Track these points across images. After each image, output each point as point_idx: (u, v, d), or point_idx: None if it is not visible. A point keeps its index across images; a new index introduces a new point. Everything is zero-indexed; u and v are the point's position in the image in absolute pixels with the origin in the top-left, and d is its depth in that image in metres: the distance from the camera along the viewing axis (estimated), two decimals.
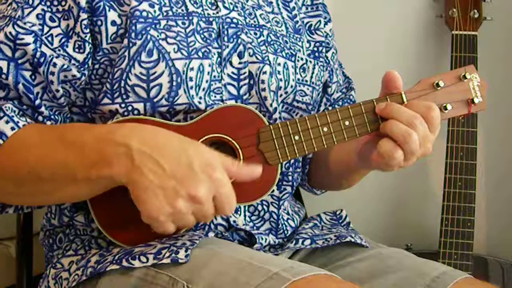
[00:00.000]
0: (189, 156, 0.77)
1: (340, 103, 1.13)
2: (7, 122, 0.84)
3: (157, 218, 0.77)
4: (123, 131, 0.79)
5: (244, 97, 0.95)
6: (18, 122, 0.84)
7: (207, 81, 0.92)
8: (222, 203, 0.79)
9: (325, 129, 0.90)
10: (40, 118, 0.88)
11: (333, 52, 1.12)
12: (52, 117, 0.89)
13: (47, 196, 0.84)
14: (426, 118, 0.87)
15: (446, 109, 0.91)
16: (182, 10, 0.93)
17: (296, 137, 0.89)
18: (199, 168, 0.76)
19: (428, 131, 0.88)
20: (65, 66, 0.87)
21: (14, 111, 0.85)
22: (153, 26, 0.90)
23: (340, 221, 1.10)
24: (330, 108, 1.12)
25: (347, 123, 0.90)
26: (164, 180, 0.76)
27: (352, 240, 1.00)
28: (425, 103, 0.89)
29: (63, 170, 0.79)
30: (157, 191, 0.76)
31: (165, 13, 0.91)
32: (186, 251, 0.82)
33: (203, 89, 0.91)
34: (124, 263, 0.83)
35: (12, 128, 0.83)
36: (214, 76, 0.93)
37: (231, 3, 0.98)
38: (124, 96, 0.88)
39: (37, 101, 0.87)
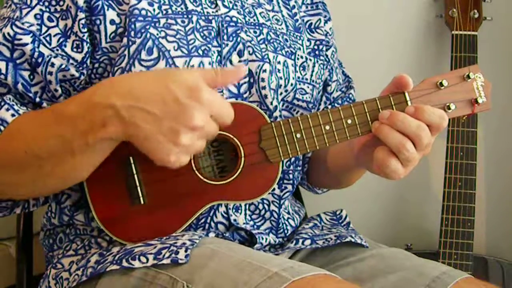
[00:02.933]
0: (172, 90, 0.76)
1: (340, 101, 1.13)
2: (7, 109, 0.84)
3: (169, 160, 0.77)
4: (102, 91, 0.78)
5: (244, 95, 0.95)
6: (18, 110, 0.85)
7: None
8: (221, 117, 0.79)
9: (327, 127, 0.90)
10: None
11: (333, 51, 1.12)
12: None
13: (48, 178, 0.84)
14: (438, 127, 0.86)
15: (449, 108, 0.91)
16: (182, 9, 0.93)
17: (298, 135, 0.89)
18: (186, 98, 0.75)
19: (431, 138, 0.87)
20: (63, 66, 0.87)
21: (15, 102, 0.86)
22: (153, 24, 0.90)
23: (340, 221, 1.10)
24: (329, 106, 1.12)
25: (349, 121, 0.90)
26: (159, 124, 0.76)
27: (352, 240, 1.00)
28: (439, 112, 0.87)
29: (60, 144, 0.79)
30: (157, 136, 0.76)
31: (164, 12, 0.91)
32: (186, 251, 0.82)
33: None
34: (124, 263, 0.83)
35: (13, 115, 0.84)
36: None
37: (230, 2, 0.98)
38: None
39: (37, 99, 0.88)
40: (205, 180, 0.89)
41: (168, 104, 0.75)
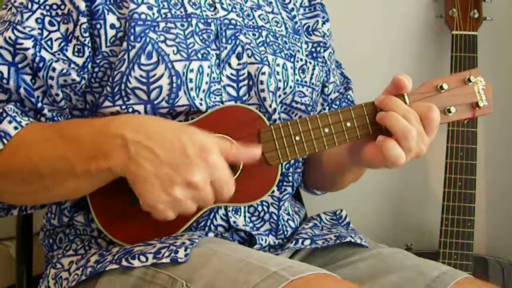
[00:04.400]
0: (183, 142, 0.76)
1: (338, 103, 1.13)
2: (10, 122, 0.84)
3: (155, 207, 0.77)
4: (118, 121, 0.79)
5: (244, 98, 0.95)
6: (20, 121, 0.85)
7: (206, 83, 0.92)
8: (220, 187, 0.79)
9: (327, 130, 0.90)
10: (43, 119, 0.88)
11: (330, 52, 1.12)
12: (55, 118, 0.89)
13: (49, 192, 0.84)
14: (425, 117, 0.87)
15: (450, 112, 0.91)
16: (181, 12, 0.93)
17: (297, 138, 0.89)
18: (194, 153, 0.76)
19: (422, 129, 0.88)
20: (64, 71, 0.87)
21: (17, 112, 0.86)
22: (152, 28, 0.90)
23: (340, 221, 1.10)
24: (327, 108, 1.12)
25: (348, 124, 0.90)
26: (159, 168, 0.76)
27: (352, 240, 1.00)
28: (426, 103, 0.89)
29: (63, 165, 0.80)
30: (153, 180, 0.76)
31: (163, 15, 0.91)
32: (185, 250, 0.82)
33: (203, 90, 0.91)
34: (124, 263, 0.83)
35: (15, 128, 0.84)
36: (213, 78, 0.93)
37: (229, 4, 0.98)
38: (125, 99, 0.88)
39: (39, 104, 0.88)
40: None
41: (174, 153, 0.76)
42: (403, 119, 0.86)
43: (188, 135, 0.77)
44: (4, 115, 0.84)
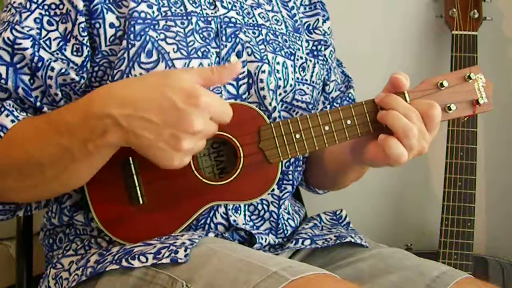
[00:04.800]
0: (169, 97, 0.76)
1: (339, 101, 1.13)
2: (7, 115, 0.84)
3: (173, 165, 0.78)
4: (99, 100, 0.78)
5: (243, 96, 0.95)
6: (18, 116, 0.85)
7: None
8: (220, 118, 0.79)
9: (327, 127, 0.90)
10: None
11: (331, 50, 1.12)
12: None
13: (50, 183, 0.84)
14: (426, 115, 0.87)
15: (450, 109, 0.91)
16: (181, 10, 0.93)
17: (297, 136, 0.89)
18: (183, 104, 0.76)
19: (424, 127, 0.88)
20: (63, 70, 0.87)
21: (15, 108, 0.86)
22: (152, 27, 0.90)
23: (340, 221, 1.10)
24: (328, 106, 1.12)
25: (349, 122, 0.90)
26: (159, 132, 0.76)
27: (352, 240, 1.00)
28: (427, 101, 0.89)
29: (61, 152, 0.80)
30: (159, 144, 0.76)
31: (163, 14, 0.91)
32: (185, 250, 0.82)
33: None
34: (124, 263, 0.83)
35: (12, 121, 0.84)
36: None
37: (229, 3, 0.98)
38: None
39: (38, 104, 0.88)
40: (204, 180, 0.89)
41: (166, 111, 0.76)
42: (404, 118, 0.86)
43: (170, 87, 0.76)
44: (2, 109, 0.84)
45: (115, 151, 0.81)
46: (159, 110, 0.76)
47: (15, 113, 0.85)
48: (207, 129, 0.78)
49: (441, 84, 0.91)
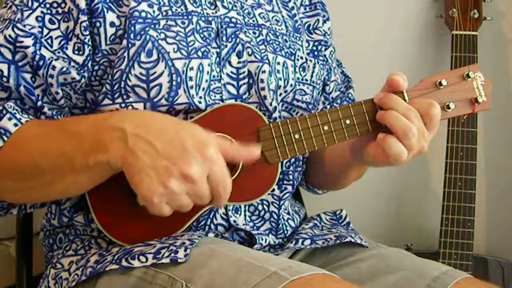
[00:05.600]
0: (183, 136, 0.76)
1: (339, 101, 1.13)
2: (9, 119, 0.84)
3: (151, 199, 0.77)
4: (118, 115, 0.80)
5: (244, 97, 0.95)
6: (20, 119, 0.85)
7: (206, 81, 0.92)
8: (217, 182, 0.78)
9: (326, 127, 0.90)
10: (43, 117, 0.88)
11: (331, 51, 1.12)
12: (54, 117, 0.89)
13: (47, 189, 0.84)
14: (426, 114, 0.87)
15: (449, 108, 0.91)
16: (182, 10, 0.93)
17: (297, 136, 0.89)
18: (192, 147, 0.76)
19: (423, 126, 0.88)
20: (64, 69, 0.87)
21: (17, 109, 0.86)
22: (152, 26, 0.90)
23: (340, 221, 1.10)
24: (328, 107, 1.12)
25: (348, 121, 0.90)
26: (156, 160, 0.76)
27: (352, 240, 1.00)
28: (426, 100, 0.89)
29: (62, 160, 0.80)
30: (150, 171, 0.76)
31: (164, 13, 0.91)
32: (185, 250, 0.82)
33: (203, 88, 0.91)
34: (124, 263, 0.83)
35: (15, 125, 0.84)
36: (214, 76, 0.93)
37: (230, 3, 0.98)
38: (125, 97, 0.88)
39: (39, 103, 0.88)
40: None
41: (173, 146, 0.76)
42: (403, 118, 0.86)
43: (188, 131, 0.77)
44: (4, 112, 0.84)
45: (111, 174, 0.81)
46: (168, 142, 0.76)
47: (18, 116, 0.85)
48: (199, 185, 0.77)
49: (440, 83, 0.91)
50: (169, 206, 0.78)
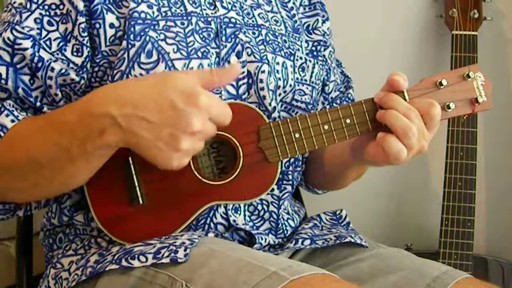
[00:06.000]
0: (168, 97, 0.76)
1: (339, 101, 1.13)
2: (7, 115, 0.84)
3: (171, 165, 0.78)
4: (99, 100, 0.78)
5: (243, 97, 0.95)
6: (18, 116, 0.85)
7: None
8: (219, 119, 0.79)
9: (326, 127, 0.90)
10: None
11: (330, 51, 1.12)
12: None
13: (49, 183, 0.84)
14: (426, 114, 0.87)
15: (449, 108, 0.91)
16: (181, 10, 0.93)
17: (297, 135, 0.89)
18: (183, 104, 0.75)
19: (423, 126, 0.88)
20: (63, 71, 0.87)
21: (16, 108, 0.86)
22: (152, 27, 0.90)
23: (340, 221, 1.10)
24: (327, 107, 1.12)
25: (348, 121, 0.90)
26: (158, 132, 0.76)
27: (352, 240, 1.00)
28: (427, 100, 0.89)
29: (59, 151, 0.80)
30: (158, 144, 0.76)
31: (163, 14, 0.91)
32: (185, 250, 0.82)
33: None
34: (124, 263, 0.83)
35: (12, 121, 0.84)
36: None
37: (229, 3, 0.98)
38: None
39: (38, 104, 0.88)
40: (204, 180, 0.89)
41: (165, 111, 0.76)
42: (403, 117, 0.87)
43: (169, 87, 0.76)
44: (2, 109, 0.85)
45: (113, 152, 0.81)
46: (158, 110, 0.76)
47: (15, 113, 0.85)
48: (206, 130, 0.78)
49: (440, 83, 0.91)
50: (188, 157, 0.79)
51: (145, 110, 0.76)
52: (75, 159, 0.80)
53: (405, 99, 0.89)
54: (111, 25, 0.89)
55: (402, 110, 0.87)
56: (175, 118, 0.76)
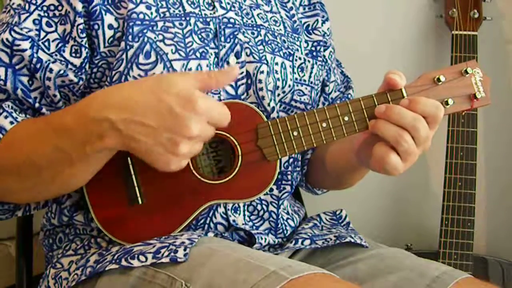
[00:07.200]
0: (166, 102, 0.76)
1: (338, 102, 1.13)
2: (6, 117, 0.85)
3: (170, 169, 0.79)
4: (97, 104, 0.79)
5: (242, 97, 0.95)
6: (16, 117, 0.85)
7: None
8: (218, 121, 0.80)
9: (324, 124, 0.89)
10: None
11: (330, 51, 1.12)
12: None
13: (48, 185, 0.85)
14: (434, 117, 0.87)
15: (447, 104, 0.90)
16: (179, 11, 0.93)
17: (295, 133, 0.89)
18: (180, 108, 0.76)
19: (429, 131, 0.87)
20: (61, 72, 0.87)
21: (14, 109, 0.87)
22: (150, 28, 0.90)
23: (340, 221, 1.10)
24: None
25: (346, 118, 0.90)
26: (156, 136, 0.76)
27: (352, 240, 1.00)
28: (433, 101, 0.87)
29: (59, 154, 0.80)
30: (157, 148, 0.77)
31: (162, 15, 0.91)
32: (184, 250, 0.82)
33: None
34: (123, 263, 0.83)
35: (11, 123, 0.84)
36: None
37: (228, 3, 0.98)
38: None
39: (37, 105, 0.88)
40: (203, 179, 0.89)
41: (163, 116, 0.76)
42: (393, 126, 0.86)
43: (167, 92, 0.76)
44: (1, 111, 0.85)
45: (112, 154, 0.82)
46: (157, 114, 0.76)
47: (14, 115, 0.85)
48: (204, 133, 0.78)
49: (438, 79, 0.90)
50: (187, 159, 0.80)
51: (143, 114, 0.76)
52: (74, 161, 0.80)
53: (403, 96, 0.89)
54: (110, 26, 0.89)
55: (409, 122, 0.85)
56: (173, 123, 0.76)
